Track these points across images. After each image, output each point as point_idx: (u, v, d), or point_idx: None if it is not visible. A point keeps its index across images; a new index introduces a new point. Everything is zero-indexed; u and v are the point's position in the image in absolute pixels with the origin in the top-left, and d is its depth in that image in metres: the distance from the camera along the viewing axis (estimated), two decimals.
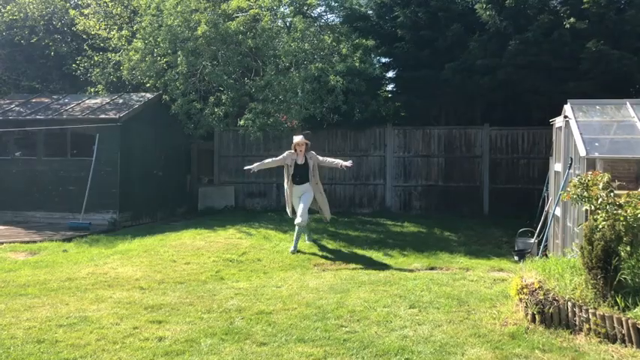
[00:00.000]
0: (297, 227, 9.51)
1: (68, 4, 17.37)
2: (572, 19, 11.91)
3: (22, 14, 16.55)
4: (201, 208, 14.88)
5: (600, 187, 5.60)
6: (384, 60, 16.17)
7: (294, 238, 9.59)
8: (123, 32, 14.79)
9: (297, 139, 9.55)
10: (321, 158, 9.73)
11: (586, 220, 5.95)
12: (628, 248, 5.28)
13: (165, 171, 14.32)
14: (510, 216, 12.59)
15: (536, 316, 5.30)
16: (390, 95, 16.29)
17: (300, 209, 9.38)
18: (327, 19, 17.45)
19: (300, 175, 9.52)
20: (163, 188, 14.13)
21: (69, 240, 10.61)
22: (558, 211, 8.47)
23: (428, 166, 14.74)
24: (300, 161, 9.48)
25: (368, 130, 14.97)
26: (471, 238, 11.57)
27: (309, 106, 13.02)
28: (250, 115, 12.82)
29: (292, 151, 9.57)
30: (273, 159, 9.83)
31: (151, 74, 13.63)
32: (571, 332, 5.08)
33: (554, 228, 8.83)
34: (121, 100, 14.14)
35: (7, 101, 14.83)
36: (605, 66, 11.98)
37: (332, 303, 6.27)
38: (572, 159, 7.87)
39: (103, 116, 12.97)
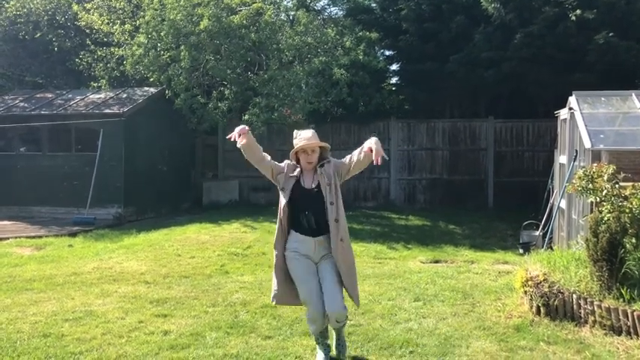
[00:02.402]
0: (320, 336, 4.46)
1: None
2: (578, 11, 11.83)
3: (25, 10, 16.57)
4: (206, 202, 14.90)
5: (605, 179, 5.58)
6: (388, 53, 16.13)
7: (319, 348, 4.49)
8: (126, 27, 14.78)
9: (305, 136, 4.32)
10: (346, 162, 4.37)
11: (591, 212, 5.93)
12: (633, 240, 5.26)
13: (169, 166, 14.34)
14: (515, 209, 12.57)
15: (541, 309, 5.29)
16: (394, 88, 16.26)
17: (329, 292, 4.23)
18: (331, 12, 17.44)
19: (311, 212, 4.30)
20: (167, 183, 14.15)
21: (74, 235, 10.65)
22: (563, 204, 8.45)
23: (432, 159, 14.71)
24: (310, 184, 4.34)
25: (372, 124, 14.94)
26: (476, 231, 11.55)
27: (313, 100, 13.00)
28: (254, 109, 12.81)
29: (292, 162, 4.44)
30: (267, 158, 4.36)
31: (154, 69, 13.62)
32: (576, 324, 5.07)
33: (559, 220, 8.81)
34: (124, 95, 14.15)
35: (11, 97, 14.86)
36: (612, 57, 11.91)
37: None
38: (577, 151, 7.84)
39: (106, 111, 12.98)
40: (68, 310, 5.76)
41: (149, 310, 5.77)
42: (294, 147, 4.31)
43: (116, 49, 14.70)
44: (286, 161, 4.41)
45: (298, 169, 4.33)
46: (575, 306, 5.15)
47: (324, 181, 4.24)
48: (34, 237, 10.36)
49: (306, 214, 4.26)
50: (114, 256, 8.65)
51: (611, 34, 11.69)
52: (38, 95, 14.81)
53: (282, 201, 4.30)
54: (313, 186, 4.28)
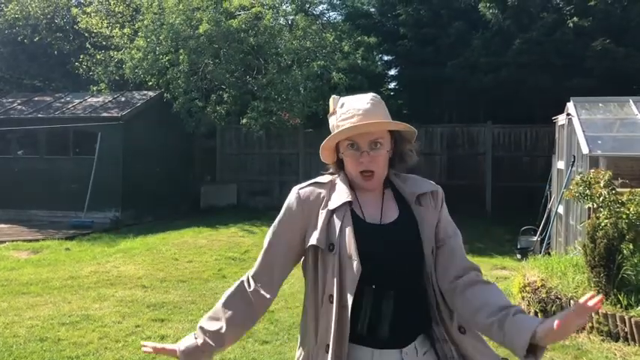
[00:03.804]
0: None
1: (70, 2, 17.39)
2: (575, 18, 11.89)
3: (24, 13, 16.57)
4: (204, 206, 14.87)
5: (602, 185, 5.59)
6: (386, 57, 16.19)
7: None
8: (125, 30, 14.80)
9: (356, 106, 1.86)
10: (450, 241, 1.94)
11: (588, 218, 5.94)
12: (630, 246, 5.26)
13: (167, 169, 14.31)
14: (513, 214, 12.55)
15: (539, 314, 5.29)
16: (392, 93, 16.28)
17: None
18: (329, 16, 17.47)
19: (392, 284, 1.76)
20: (165, 186, 14.12)
21: (71, 238, 10.63)
22: (561, 209, 8.45)
23: (430, 164, 14.70)
24: (377, 215, 1.85)
25: None
26: (474, 236, 11.52)
27: (311, 104, 13.01)
28: (253, 113, 12.82)
29: (326, 177, 1.94)
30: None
31: (153, 72, 13.63)
32: None
33: (556, 226, 8.81)
34: (123, 99, 14.15)
35: (10, 100, 14.85)
36: (609, 63, 11.96)
37: None
38: (574, 157, 7.85)
39: (105, 114, 12.98)
40: (65, 314, 5.74)
41: (146, 315, 5.75)
42: (330, 131, 1.89)
43: (115, 53, 14.72)
44: (293, 194, 1.90)
45: (345, 191, 1.85)
46: None
47: (416, 208, 1.88)
48: (31, 240, 10.33)
49: (381, 293, 1.77)
50: (111, 260, 8.63)
51: (607, 41, 11.73)
52: (36, 98, 14.80)
53: (321, 271, 1.81)
54: (389, 220, 1.86)
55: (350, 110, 1.86)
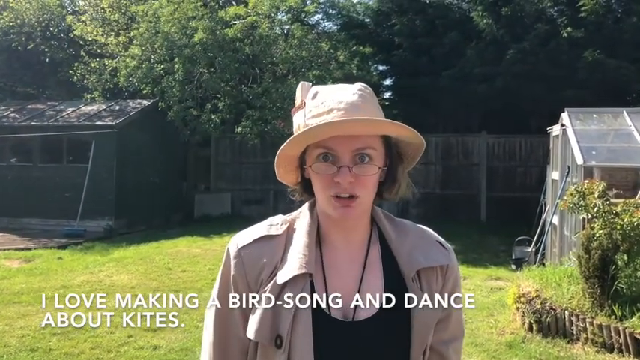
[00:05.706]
0: None
1: (65, 11, 17.38)
2: (568, 29, 11.97)
3: (19, 20, 16.55)
4: (198, 215, 14.83)
5: (596, 195, 5.59)
6: (381, 67, 16.25)
7: None
8: (120, 38, 14.79)
9: (331, 97, 1.23)
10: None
11: (583, 228, 5.94)
12: (625, 257, 5.26)
13: (161, 178, 14.27)
14: (508, 224, 12.58)
15: (534, 325, 5.28)
16: (387, 103, 16.33)
17: None
18: (325, 26, 17.54)
19: None
20: (159, 195, 14.07)
21: (64, 247, 10.54)
22: (555, 220, 8.46)
23: (425, 173, 14.71)
24: (350, 301, 1.22)
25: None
26: (469, 246, 11.53)
27: None
28: (247, 122, 12.82)
29: (280, 220, 1.30)
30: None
31: (148, 81, 13.61)
32: (568, 341, 5.06)
33: (551, 236, 8.82)
34: (117, 107, 14.11)
35: (3, 107, 14.78)
36: (602, 75, 12.03)
37: None
38: (569, 167, 7.87)
39: (99, 123, 12.94)
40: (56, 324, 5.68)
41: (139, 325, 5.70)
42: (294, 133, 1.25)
43: (110, 61, 14.71)
44: (232, 255, 1.29)
45: (303, 250, 1.24)
46: (567, 323, 5.13)
47: (413, 289, 1.26)
48: (22, 249, 10.25)
49: None
50: (104, 269, 8.57)
51: (598, 52, 11.80)
52: (30, 106, 14.74)
53: None
54: (368, 312, 1.22)
55: (327, 102, 1.22)
